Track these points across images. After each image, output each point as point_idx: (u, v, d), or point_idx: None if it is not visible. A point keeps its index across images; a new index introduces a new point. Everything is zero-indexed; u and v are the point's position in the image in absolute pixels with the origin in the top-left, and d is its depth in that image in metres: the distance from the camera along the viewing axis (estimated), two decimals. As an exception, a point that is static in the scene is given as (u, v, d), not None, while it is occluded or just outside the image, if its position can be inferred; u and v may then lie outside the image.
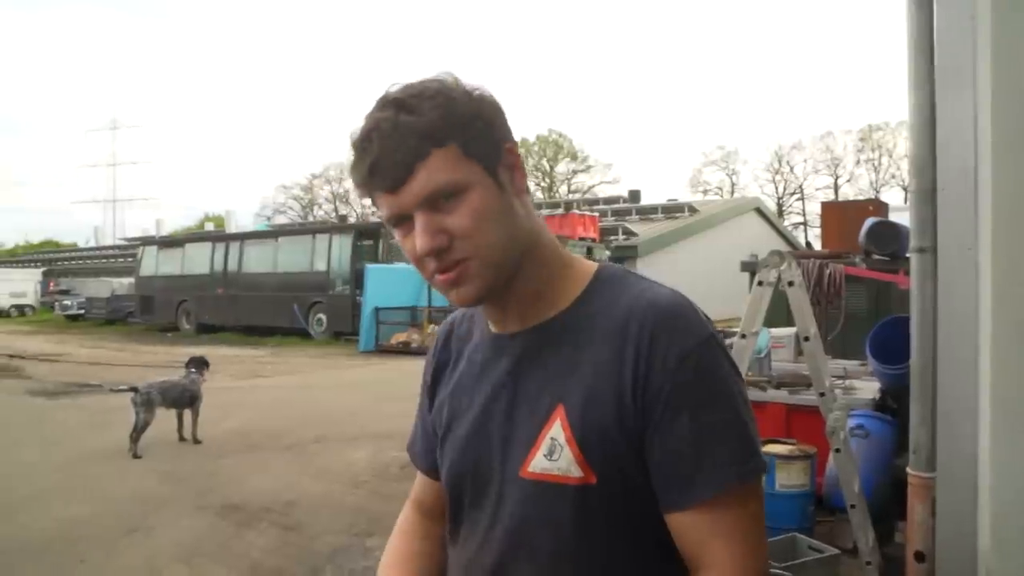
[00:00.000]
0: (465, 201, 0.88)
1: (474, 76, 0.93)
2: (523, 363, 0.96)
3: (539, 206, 33.73)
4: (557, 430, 0.90)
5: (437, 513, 1.15)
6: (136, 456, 6.42)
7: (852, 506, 3.20)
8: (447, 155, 0.87)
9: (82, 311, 29.26)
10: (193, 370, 7.26)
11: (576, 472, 0.89)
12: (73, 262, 47.66)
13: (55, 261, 48.55)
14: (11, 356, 15.30)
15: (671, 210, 28.08)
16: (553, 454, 0.90)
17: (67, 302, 30.64)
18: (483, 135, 0.90)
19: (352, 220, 39.54)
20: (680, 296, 0.94)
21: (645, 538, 0.91)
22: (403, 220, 0.90)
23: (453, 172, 0.87)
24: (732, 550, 0.87)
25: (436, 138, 0.86)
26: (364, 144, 0.89)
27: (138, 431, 6.54)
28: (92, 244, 55.15)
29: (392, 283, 17.54)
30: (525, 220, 0.94)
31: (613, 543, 0.91)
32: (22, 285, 36.49)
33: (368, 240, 20.53)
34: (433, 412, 1.11)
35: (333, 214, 54.10)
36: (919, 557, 2.29)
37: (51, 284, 36.87)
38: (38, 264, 46.67)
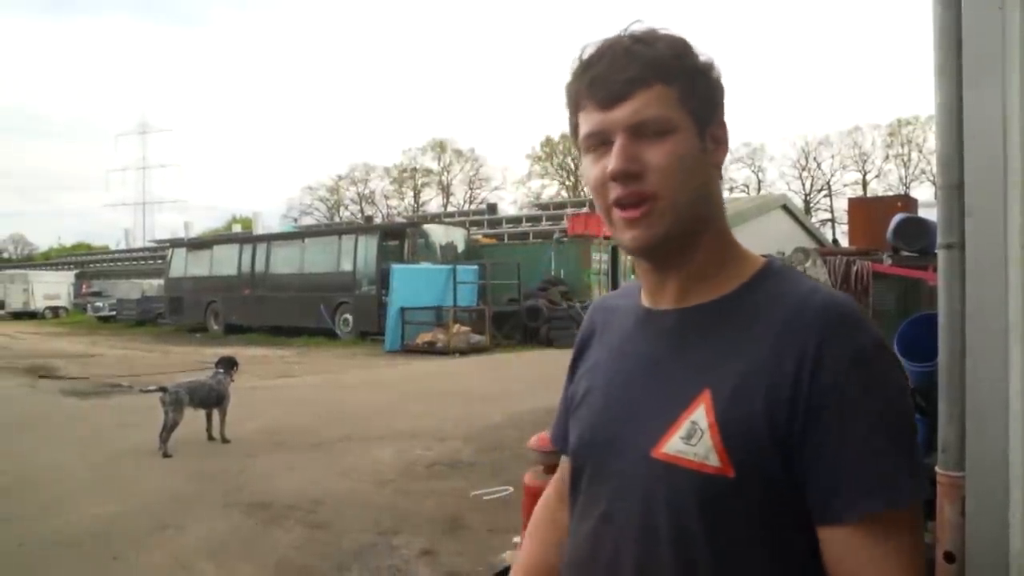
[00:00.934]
0: (669, 142, 0.88)
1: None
2: (674, 341, 0.93)
3: (563, 205, 33.67)
4: (700, 414, 0.86)
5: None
6: (166, 455, 6.52)
7: (880, 506, 3.15)
8: (668, 93, 0.88)
9: (113, 312, 29.75)
10: (221, 370, 7.35)
11: (714, 461, 0.84)
12: (105, 264, 48.49)
13: (87, 263, 49.43)
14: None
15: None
16: (692, 438, 0.86)
17: (99, 304, 31.18)
18: (705, 95, 0.91)
19: (378, 220, 39.79)
20: (854, 301, 0.90)
21: (775, 546, 0.85)
22: (601, 142, 0.90)
23: (667, 110, 0.88)
24: None
25: (663, 73, 0.88)
26: (593, 59, 0.90)
27: (167, 430, 6.64)
28: (123, 246, 56.08)
29: (418, 283, 17.64)
30: (715, 194, 0.95)
31: (740, 538, 0.85)
32: (56, 287, 37.18)
33: (394, 240, 20.63)
34: (573, 385, 1.07)
35: (359, 215, 54.48)
36: (948, 558, 2.25)
37: (83, 286, 37.55)
38: (71, 266, 47.52)
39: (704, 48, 0.93)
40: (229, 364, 7.46)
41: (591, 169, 0.92)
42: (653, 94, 0.87)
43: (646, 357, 0.95)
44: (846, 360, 0.82)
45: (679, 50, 0.90)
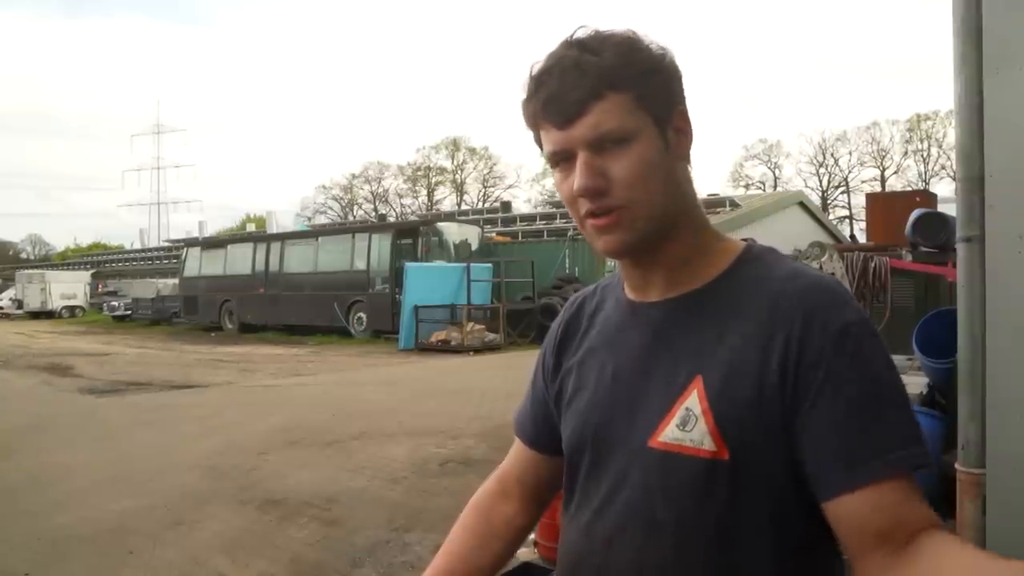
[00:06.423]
0: (630, 150, 0.87)
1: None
2: (662, 333, 0.94)
3: (577, 203, 33.39)
4: (693, 401, 0.87)
5: (516, 490, 1.15)
6: None
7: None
8: (621, 101, 0.87)
9: (129, 312, 29.99)
10: None
11: (709, 445, 0.86)
12: (120, 264, 48.89)
13: (103, 263, 49.84)
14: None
15: (712, 205, 27.69)
16: (687, 425, 0.87)
17: (115, 303, 31.45)
18: (659, 91, 0.90)
19: (391, 219, 39.88)
20: (836, 281, 0.91)
21: (771, 523, 0.86)
22: (565, 158, 0.90)
23: (624, 119, 0.87)
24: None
25: (613, 82, 0.87)
26: (543, 78, 0.90)
27: None
28: (138, 246, 56.53)
29: (432, 281, 17.66)
30: (684, 185, 0.94)
31: (739, 523, 0.86)
32: (72, 287, 37.52)
33: (407, 239, 20.65)
34: (559, 380, 1.07)
35: (372, 213, 54.63)
36: (969, 556, 2.21)
37: (99, 286, 37.89)
38: (87, 266, 47.94)
39: (652, 35, 0.91)
40: None
41: (561, 185, 0.92)
42: (607, 105, 0.86)
43: (637, 349, 0.96)
44: (830, 337, 0.83)
45: (627, 52, 0.88)
